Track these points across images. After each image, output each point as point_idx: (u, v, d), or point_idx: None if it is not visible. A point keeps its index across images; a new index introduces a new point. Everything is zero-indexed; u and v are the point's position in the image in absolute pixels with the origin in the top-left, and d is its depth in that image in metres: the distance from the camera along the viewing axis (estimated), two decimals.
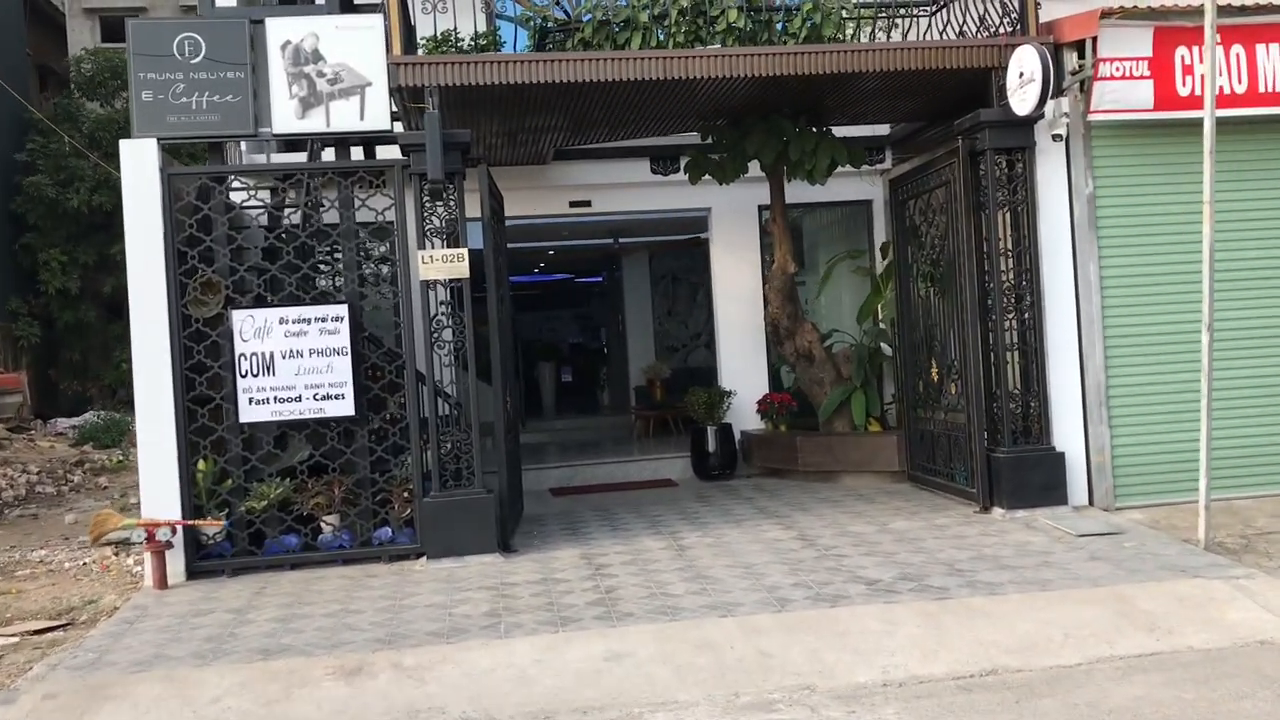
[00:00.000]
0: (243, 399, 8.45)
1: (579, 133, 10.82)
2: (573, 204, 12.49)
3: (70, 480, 16.51)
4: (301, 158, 9.74)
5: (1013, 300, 9.33)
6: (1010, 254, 9.34)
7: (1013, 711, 5.38)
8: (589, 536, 9.37)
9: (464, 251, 8.53)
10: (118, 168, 8.41)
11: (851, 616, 6.70)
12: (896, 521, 9.28)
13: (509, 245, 10.88)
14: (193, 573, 8.43)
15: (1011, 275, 9.33)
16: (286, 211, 9.29)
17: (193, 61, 8.37)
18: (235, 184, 9.34)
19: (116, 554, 9.95)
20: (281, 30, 8.47)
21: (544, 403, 20.47)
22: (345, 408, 8.56)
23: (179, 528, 8.25)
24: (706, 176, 10.99)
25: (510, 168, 11.93)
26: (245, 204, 9.50)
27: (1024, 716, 5.32)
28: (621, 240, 16.12)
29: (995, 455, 9.24)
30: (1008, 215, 9.37)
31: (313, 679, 6.10)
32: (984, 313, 9.43)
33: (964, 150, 9.40)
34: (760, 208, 12.66)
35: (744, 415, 12.55)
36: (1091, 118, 9.19)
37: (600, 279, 23.43)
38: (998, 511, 9.19)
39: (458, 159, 8.48)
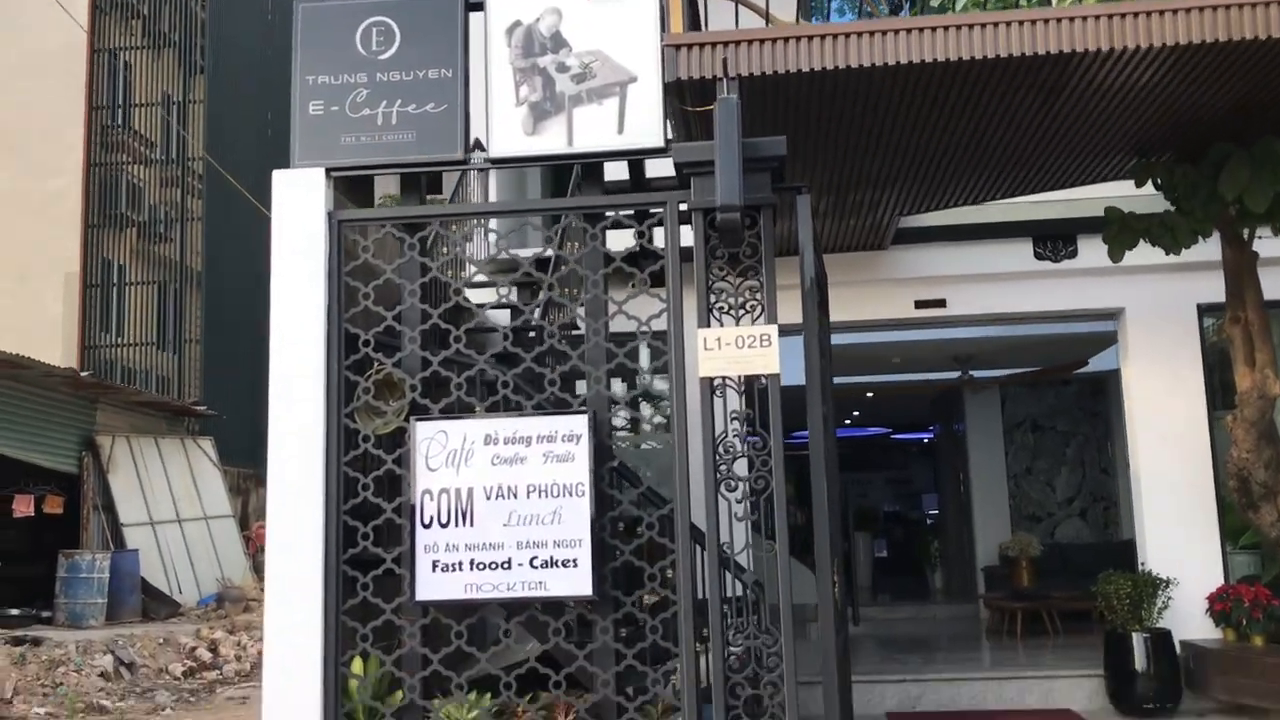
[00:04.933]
0: (423, 562, 5.36)
1: (935, 188, 7.42)
2: (920, 304, 8.95)
3: None
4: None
5: None
6: None
7: None
8: None
9: (772, 331, 5.23)
10: None
11: None
12: None
13: None
14: None
15: None
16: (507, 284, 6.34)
17: (381, 57, 5.70)
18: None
19: None
20: (509, 8, 5.69)
21: (856, 583, 16.59)
22: (579, 582, 5.30)
23: None
24: (1139, 247, 7.23)
25: (834, 257, 8.65)
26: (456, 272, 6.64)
27: None
28: (973, 372, 12.32)
29: None
30: None
31: None
32: None
33: None
34: (1201, 308, 8.68)
35: (1183, 616, 8.29)
36: None
37: (927, 434, 19.57)
38: None
39: (766, 183, 5.28)
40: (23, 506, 15.95)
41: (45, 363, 14.86)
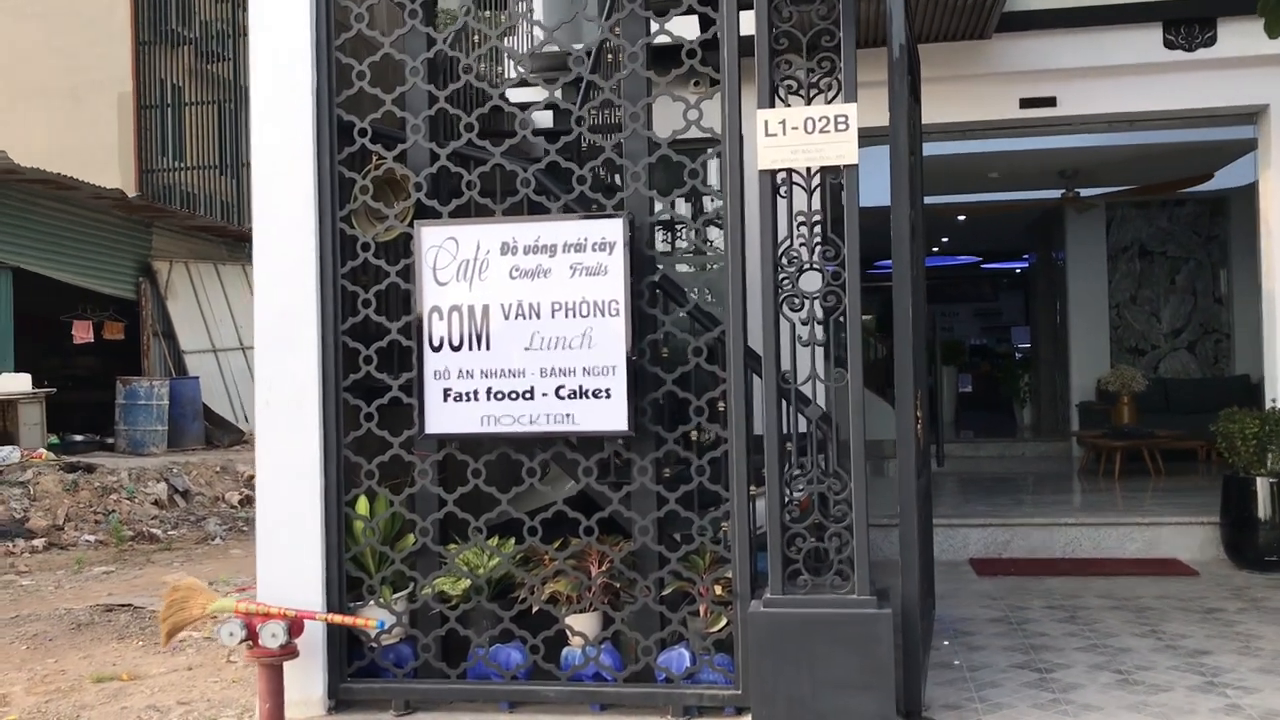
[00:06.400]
0: (433, 390, 4.61)
1: None
2: (1025, 103, 7.73)
3: None
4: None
5: None
6: None
7: None
8: (1074, 691, 4.74)
9: (850, 111, 4.23)
10: None
11: None
12: None
13: None
14: (342, 700, 4.71)
15: None
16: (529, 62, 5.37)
17: None
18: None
19: None
20: None
21: (941, 419, 15.73)
22: (613, 415, 4.51)
23: (307, 623, 4.53)
24: None
25: (928, 48, 7.45)
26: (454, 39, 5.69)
27: None
28: (1080, 189, 11.05)
29: None
30: None
31: None
32: None
33: None
34: None
35: None
36: None
37: (1020, 263, 18.35)
38: None
39: None
40: (82, 332, 15.74)
41: (92, 184, 14.32)
